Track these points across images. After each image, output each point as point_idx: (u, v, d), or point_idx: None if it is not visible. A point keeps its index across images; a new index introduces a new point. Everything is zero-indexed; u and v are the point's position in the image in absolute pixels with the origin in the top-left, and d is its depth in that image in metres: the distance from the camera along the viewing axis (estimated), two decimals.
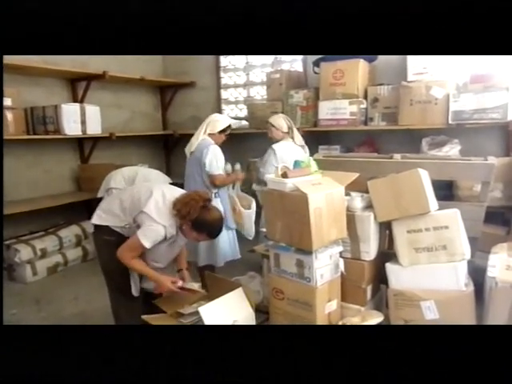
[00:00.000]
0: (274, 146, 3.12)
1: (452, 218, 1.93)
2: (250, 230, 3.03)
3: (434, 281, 1.97)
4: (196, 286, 2.26)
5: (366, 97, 3.51)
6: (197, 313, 2.06)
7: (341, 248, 2.04)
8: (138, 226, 2.06)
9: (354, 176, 2.06)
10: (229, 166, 3.54)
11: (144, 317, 2.04)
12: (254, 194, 3.18)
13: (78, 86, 4.19)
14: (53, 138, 3.80)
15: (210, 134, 2.86)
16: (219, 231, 2.11)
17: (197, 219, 1.99)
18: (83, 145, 4.30)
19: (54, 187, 4.06)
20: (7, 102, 3.37)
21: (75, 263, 3.76)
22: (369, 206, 2.11)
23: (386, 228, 2.20)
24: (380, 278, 2.21)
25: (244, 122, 4.36)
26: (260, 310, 2.31)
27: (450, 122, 3.11)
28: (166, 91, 5.17)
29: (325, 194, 1.88)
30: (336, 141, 3.93)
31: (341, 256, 2.07)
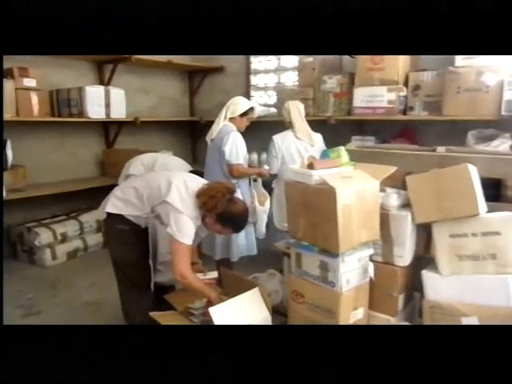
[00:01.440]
0: (274, 136, 3.00)
1: (506, 223, 1.66)
2: (261, 228, 2.83)
3: (479, 294, 1.71)
4: (215, 274, 2.17)
5: (406, 84, 3.19)
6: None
7: (371, 251, 1.81)
8: (157, 217, 1.91)
9: (390, 170, 1.81)
10: (254, 156, 3.33)
11: (152, 314, 1.90)
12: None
13: (104, 68, 4.11)
14: (77, 122, 3.74)
15: (230, 119, 2.66)
16: (244, 225, 1.96)
17: (223, 212, 1.84)
18: (108, 129, 4.23)
19: (78, 171, 4.01)
20: (32, 83, 3.31)
21: (95, 249, 3.71)
22: (406, 205, 1.86)
23: (423, 229, 1.94)
24: (414, 285, 1.96)
25: (273, 110, 4.13)
26: (278, 311, 2.13)
27: (502, 112, 2.75)
28: (194, 76, 5.02)
29: (355, 189, 1.65)
30: (370, 131, 3.63)
31: (371, 260, 1.84)
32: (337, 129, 3.52)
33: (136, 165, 3.01)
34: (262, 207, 2.76)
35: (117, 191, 2.04)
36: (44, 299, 2.83)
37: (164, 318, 1.90)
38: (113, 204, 1.98)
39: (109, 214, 2.00)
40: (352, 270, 1.76)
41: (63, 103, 3.64)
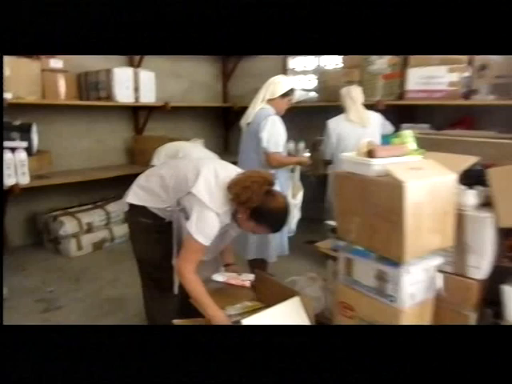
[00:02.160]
0: (329, 120, 2.86)
1: None
2: (290, 225, 2.52)
3: None
4: (252, 276, 1.87)
5: (470, 63, 2.77)
6: (239, 317, 1.66)
7: (441, 259, 1.47)
8: (183, 210, 1.65)
9: (469, 160, 1.47)
10: (292, 145, 3.05)
11: (176, 322, 1.65)
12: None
13: None
14: (106, 106, 3.56)
15: (269, 101, 2.35)
16: (283, 224, 1.63)
17: (258, 207, 1.54)
18: (138, 115, 4.03)
19: (105, 158, 3.85)
20: (58, 64, 3.14)
21: (122, 240, 3.52)
22: (486, 204, 1.50)
23: (505, 234, 1.58)
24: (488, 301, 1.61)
25: (312, 94, 3.80)
26: (320, 321, 1.84)
27: None
28: (227, 60, 4.74)
29: (429, 183, 1.31)
30: (422, 118, 3.23)
31: (439, 270, 1.50)
32: (384, 115, 3.15)
33: (160, 155, 2.79)
34: (294, 200, 2.44)
35: (140, 179, 1.79)
36: (66, 293, 2.66)
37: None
38: (135, 193, 1.74)
39: (131, 206, 1.76)
40: (417, 283, 1.43)
41: (91, 86, 3.46)
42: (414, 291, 1.43)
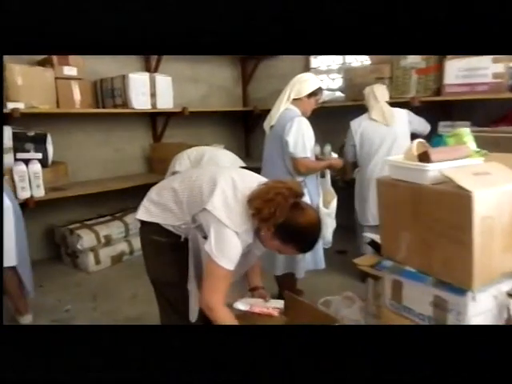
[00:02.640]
0: (351, 121, 2.70)
1: None
2: (326, 236, 2.29)
3: None
4: (280, 303, 1.63)
5: None
6: None
7: None
8: (199, 228, 1.46)
9: None
10: (317, 148, 2.84)
11: None
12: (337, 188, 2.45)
13: (151, 56, 3.76)
14: (122, 114, 3.43)
15: (295, 101, 2.14)
16: (314, 243, 1.40)
17: (284, 223, 1.31)
18: (156, 122, 3.90)
19: (123, 168, 3.72)
20: (73, 71, 3.02)
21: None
22: None
23: None
24: None
25: (338, 94, 3.56)
26: None
27: None
28: (247, 62, 4.56)
29: (499, 191, 1.07)
30: (461, 115, 2.94)
31: (510, 295, 1.25)
32: (420, 113, 2.88)
33: (182, 161, 2.62)
34: (326, 210, 2.21)
35: (152, 193, 1.60)
36: (83, 312, 2.52)
37: None
38: (146, 209, 1.55)
39: (143, 222, 1.58)
40: (484, 312, 1.18)
41: (107, 93, 3.34)
42: (481, 322, 1.18)
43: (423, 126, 2.72)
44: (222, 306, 1.37)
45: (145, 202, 1.58)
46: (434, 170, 1.11)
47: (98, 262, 3.13)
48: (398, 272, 1.30)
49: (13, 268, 2.19)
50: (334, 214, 2.23)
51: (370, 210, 2.58)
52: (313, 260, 2.24)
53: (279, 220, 1.31)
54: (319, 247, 2.25)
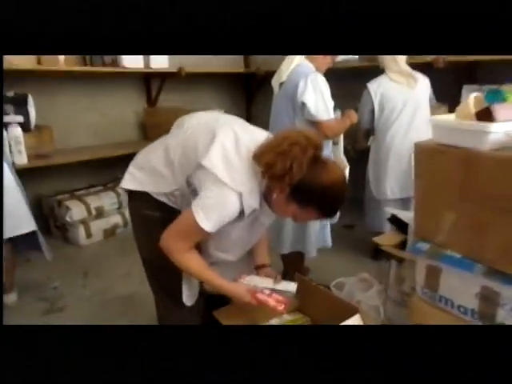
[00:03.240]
0: (368, 83, 2.38)
1: None
2: None
3: None
4: (292, 286, 1.37)
5: None
6: None
7: None
8: (195, 192, 1.23)
9: None
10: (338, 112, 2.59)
11: None
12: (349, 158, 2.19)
13: None
14: (112, 74, 3.11)
15: (309, 56, 1.85)
16: (339, 205, 1.17)
17: (303, 182, 1.08)
18: (150, 83, 3.59)
19: (115, 134, 3.43)
20: None
21: None
22: None
23: None
24: None
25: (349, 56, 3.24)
26: None
27: None
28: None
29: None
30: (486, 78, 2.65)
31: None
32: (440, 76, 2.60)
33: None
34: None
35: (138, 157, 1.35)
36: (72, 289, 2.33)
37: None
38: (131, 176, 1.31)
39: (131, 194, 1.34)
40: None
41: None
42: None
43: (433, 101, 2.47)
44: (182, 252, 1.20)
45: (130, 169, 1.33)
46: (497, 132, 0.87)
47: (89, 235, 2.92)
48: (437, 257, 1.09)
49: (10, 240, 2.02)
50: None
51: (388, 183, 2.34)
52: (321, 237, 2.02)
53: (296, 177, 1.07)
54: (327, 224, 2.03)
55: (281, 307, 1.26)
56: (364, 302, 1.58)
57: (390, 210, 1.65)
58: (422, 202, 1.11)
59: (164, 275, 1.38)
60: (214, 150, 1.13)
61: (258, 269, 1.47)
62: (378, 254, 2.48)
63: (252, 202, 1.14)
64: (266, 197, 1.19)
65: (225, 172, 1.11)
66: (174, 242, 1.19)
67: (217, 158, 1.12)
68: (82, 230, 2.89)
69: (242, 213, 1.15)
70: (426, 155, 1.04)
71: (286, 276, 2.30)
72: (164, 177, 1.25)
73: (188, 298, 1.38)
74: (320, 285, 1.61)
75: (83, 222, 2.90)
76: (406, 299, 1.46)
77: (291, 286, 1.35)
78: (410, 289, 1.43)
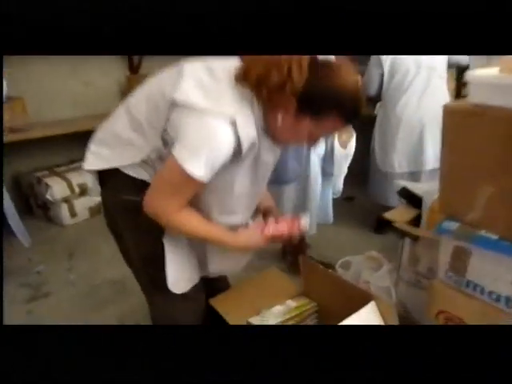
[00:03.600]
0: None
1: None
2: (337, 183, 1.90)
3: None
4: (306, 221, 1.18)
5: None
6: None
7: None
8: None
9: None
10: None
11: None
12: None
13: None
14: None
15: None
16: (359, 106, 0.95)
17: (312, 84, 0.89)
18: None
19: (96, 104, 3.18)
20: None
21: None
22: None
23: None
24: None
25: None
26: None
27: None
28: None
29: None
30: None
31: None
32: None
33: None
34: (344, 150, 1.80)
35: (98, 132, 1.12)
36: (56, 273, 2.18)
37: None
38: (95, 155, 1.09)
39: (101, 178, 1.14)
40: None
41: None
42: None
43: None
44: (173, 212, 0.98)
45: (91, 148, 1.10)
46: None
47: (73, 214, 2.75)
48: (467, 237, 0.95)
49: None
50: (350, 158, 1.84)
51: (395, 156, 2.17)
52: (322, 212, 1.88)
53: (299, 83, 0.87)
54: (328, 197, 1.89)
55: (297, 228, 1.14)
56: (373, 283, 1.46)
57: (401, 183, 1.50)
58: (451, 175, 0.95)
59: (152, 270, 1.18)
60: (185, 82, 0.92)
61: (264, 215, 1.23)
62: (381, 227, 2.36)
63: (247, 128, 0.92)
64: (266, 128, 0.99)
65: (204, 99, 0.89)
66: (161, 203, 0.97)
67: (190, 86, 0.91)
68: (65, 209, 2.71)
69: (238, 151, 0.93)
70: (459, 118, 0.88)
71: (285, 255, 2.19)
72: (134, 144, 1.02)
73: (176, 283, 1.18)
74: (322, 263, 1.48)
75: (66, 200, 2.71)
76: (420, 280, 1.34)
77: (306, 221, 1.17)
78: (425, 269, 1.31)
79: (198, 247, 1.20)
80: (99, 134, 1.11)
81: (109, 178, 1.09)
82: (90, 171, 1.12)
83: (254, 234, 1.12)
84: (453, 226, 0.97)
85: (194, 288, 1.21)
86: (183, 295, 1.19)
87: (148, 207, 0.99)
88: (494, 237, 0.89)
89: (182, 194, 0.97)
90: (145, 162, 1.03)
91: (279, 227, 1.14)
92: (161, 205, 0.98)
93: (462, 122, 0.87)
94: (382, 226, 2.38)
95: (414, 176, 2.17)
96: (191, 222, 1.02)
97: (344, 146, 1.77)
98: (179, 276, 1.17)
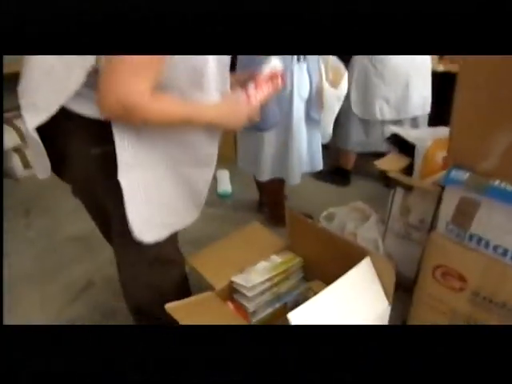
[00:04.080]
0: None
1: None
2: (327, 127, 1.75)
3: None
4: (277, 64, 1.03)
5: None
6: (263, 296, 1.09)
7: None
8: None
9: None
10: None
11: (168, 306, 1.01)
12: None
13: None
14: None
15: None
16: None
17: None
18: None
19: None
20: None
21: None
22: None
23: None
24: None
25: None
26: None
27: None
28: None
29: None
30: None
31: None
32: None
33: None
34: (335, 90, 1.63)
35: (20, 88, 0.89)
36: (13, 231, 1.98)
37: (180, 311, 1.02)
38: (35, 106, 0.86)
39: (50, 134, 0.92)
40: None
41: None
42: None
43: None
44: (150, 95, 0.78)
45: (23, 107, 0.88)
46: None
47: (26, 165, 2.48)
48: (478, 188, 0.86)
49: None
50: (342, 98, 1.67)
51: (379, 102, 2.02)
52: (310, 160, 1.73)
53: None
54: (318, 143, 1.74)
55: (279, 81, 1.01)
56: (360, 235, 1.39)
57: (392, 129, 1.39)
58: (464, 120, 0.84)
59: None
60: None
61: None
62: (345, 176, 2.29)
63: None
64: None
65: None
66: (129, 85, 0.76)
67: None
68: (17, 160, 2.44)
69: None
70: (475, 59, 0.75)
71: (262, 206, 2.08)
72: (67, 67, 0.81)
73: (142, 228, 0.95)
74: (302, 214, 1.37)
75: (17, 149, 2.44)
76: (411, 232, 1.27)
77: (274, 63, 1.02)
78: (417, 221, 1.24)
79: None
80: (23, 87, 0.88)
81: (60, 129, 0.89)
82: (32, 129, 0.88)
83: (238, 100, 0.94)
84: (462, 175, 0.87)
85: (172, 242, 1.07)
86: (160, 254, 1.06)
87: (110, 98, 0.76)
88: (510, 188, 0.80)
89: (146, 71, 0.78)
90: (89, 82, 0.80)
91: (262, 88, 0.98)
92: (129, 87, 0.76)
93: (479, 62, 0.74)
94: (346, 174, 2.30)
95: (397, 124, 2.05)
96: (171, 102, 0.83)
97: (335, 85, 1.60)
98: (145, 218, 0.96)
